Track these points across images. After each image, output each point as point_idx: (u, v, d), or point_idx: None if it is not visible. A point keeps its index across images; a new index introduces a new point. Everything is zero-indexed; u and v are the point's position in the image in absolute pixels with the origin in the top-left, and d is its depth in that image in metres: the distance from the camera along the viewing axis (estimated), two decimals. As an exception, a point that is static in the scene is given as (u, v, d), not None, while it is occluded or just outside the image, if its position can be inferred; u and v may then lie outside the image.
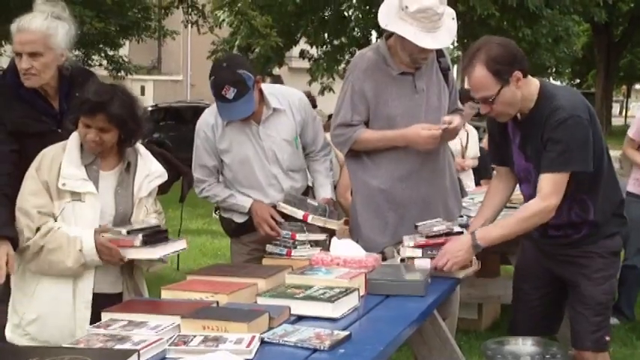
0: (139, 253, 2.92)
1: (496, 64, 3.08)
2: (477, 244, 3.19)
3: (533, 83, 3.20)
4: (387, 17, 3.53)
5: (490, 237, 3.22)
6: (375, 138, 3.69)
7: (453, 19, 3.58)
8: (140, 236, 2.87)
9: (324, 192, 3.89)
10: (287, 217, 3.64)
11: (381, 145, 3.69)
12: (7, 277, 3.08)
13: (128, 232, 2.87)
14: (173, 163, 3.32)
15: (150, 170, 3.08)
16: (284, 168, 3.80)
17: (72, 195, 2.92)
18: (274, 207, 3.71)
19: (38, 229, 2.89)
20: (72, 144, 2.98)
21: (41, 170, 2.93)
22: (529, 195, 3.30)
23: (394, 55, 3.67)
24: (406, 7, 3.43)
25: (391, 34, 3.65)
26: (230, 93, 3.53)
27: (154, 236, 2.93)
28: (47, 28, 3.14)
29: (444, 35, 3.52)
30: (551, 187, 3.12)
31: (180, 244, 3.04)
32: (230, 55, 3.92)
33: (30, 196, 2.92)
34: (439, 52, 3.75)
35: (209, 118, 3.78)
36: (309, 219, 3.57)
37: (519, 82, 3.12)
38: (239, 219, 3.85)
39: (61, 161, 2.93)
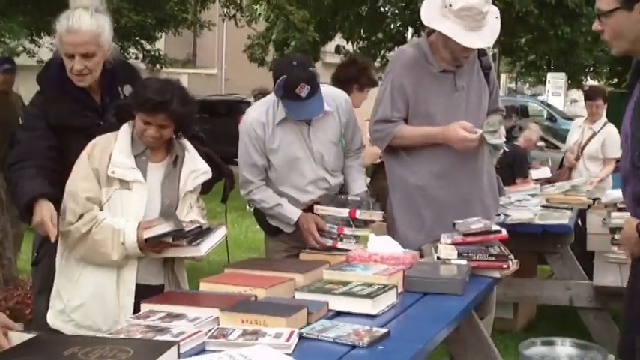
0: (182, 252, 2.96)
1: None
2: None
3: None
4: (429, 14, 3.50)
5: None
6: (415, 134, 3.67)
7: (497, 17, 3.54)
8: (184, 241, 2.91)
9: (359, 187, 3.84)
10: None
11: (420, 141, 3.67)
12: (48, 267, 3.12)
13: (173, 238, 2.89)
14: (217, 163, 3.31)
15: (196, 167, 3.11)
16: (329, 170, 3.74)
17: (120, 183, 2.95)
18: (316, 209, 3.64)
19: (81, 217, 2.91)
20: (123, 134, 3.02)
21: (92, 157, 2.97)
22: (623, 169, 2.81)
23: (435, 52, 3.64)
24: (450, 4, 3.40)
25: (433, 31, 3.61)
26: (304, 91, 3.45)
27: (197, 235, 2.95)
28: (97, 27, 3.10)
29: (487, 34, 3.49)
30: None
31: (220, 233, 3.05)
32: (294, 55, 3.87)
33: (80, 180, 2.96)
34: (481, 51, 3.71)
35: (260, 116, 3.66)
36: (358, 214, 3.52)
37: None
38: (287, 229, 3.74)
39: (112, 150, 2.97)
